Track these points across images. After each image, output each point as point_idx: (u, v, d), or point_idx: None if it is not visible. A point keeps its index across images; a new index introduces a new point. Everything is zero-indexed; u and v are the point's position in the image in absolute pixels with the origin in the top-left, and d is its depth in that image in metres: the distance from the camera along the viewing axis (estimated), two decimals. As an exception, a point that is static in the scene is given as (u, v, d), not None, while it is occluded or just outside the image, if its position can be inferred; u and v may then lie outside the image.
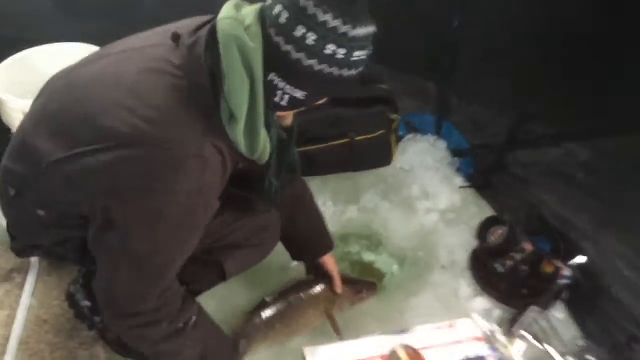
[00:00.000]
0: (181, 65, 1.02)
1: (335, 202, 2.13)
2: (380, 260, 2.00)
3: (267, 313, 1.57)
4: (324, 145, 2.11)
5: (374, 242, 2.04)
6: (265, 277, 1.81)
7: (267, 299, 1.59)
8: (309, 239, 1.61)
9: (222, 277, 1.42)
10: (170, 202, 1.02)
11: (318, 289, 1.63)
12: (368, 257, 2.01)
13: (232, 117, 1.01)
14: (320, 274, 1.67)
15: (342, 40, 0.95)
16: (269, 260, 1.59)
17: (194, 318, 1.19)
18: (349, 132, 2.10)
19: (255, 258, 1.49)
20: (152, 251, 1.05)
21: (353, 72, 0.99)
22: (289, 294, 1.60)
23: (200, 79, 1.00)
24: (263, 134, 1.03)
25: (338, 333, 1.64)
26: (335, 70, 0.98)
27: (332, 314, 1.65)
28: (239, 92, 0.98)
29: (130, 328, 1.10)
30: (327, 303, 1.63)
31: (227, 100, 0.98)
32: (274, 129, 1.15)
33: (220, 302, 1.76)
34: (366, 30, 0.96)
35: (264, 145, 1.06)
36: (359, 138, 2.12)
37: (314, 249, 1.64)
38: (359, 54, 0.98)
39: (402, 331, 1.61)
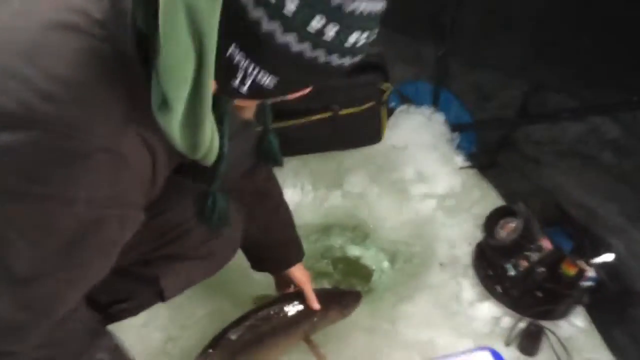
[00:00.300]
0: (104, 22, 0.70)
1: (316, 187, 1.83)
2: (367, 256, 1.73)
3: (229, 348, 1.27)
4: (303, 119, 1.85)
5: (361, 233, 1.76)
6: (231, 278, 1.51)
7: (229, 335, 1.29)
8: (273, 246, 1.32)
9: (160, 296, 1.11)
10: (63, 213, 0.71)
11: (292, 311, 1.34)
12: (353, 251, 1.74)
13: (164, 102, 0.71)
14: (288, 287, 1.39)
15: (334, 14, 0.63)
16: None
17: None
18: (332, 104, 1.84)
19: (204, 272, 1.19)
20: (37, 274, 0.75)
21: (346, 60, 0.69)
22: (256, 323, 1.31)
23: (124, 45, 0.70)
24: (209, 128, 0.78)
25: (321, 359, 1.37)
26: (321, 55, 0.67)
27: (311, 339, 1.37)
28: (179, 68, 0.68)
29: None
30: (306, 326, 1.35)
31: (160, 78, 0.67)
32: (227, 121, 0.84)
33: (174, 312, 1.46)
34: (372, 5, 0.64)
35: (210, 142, 0.80)
36: (343, 112, 1.86)
37: (279, 259, 1.35)
38: (356, 37, 0.66)
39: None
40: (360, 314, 1.51)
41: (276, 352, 1.33)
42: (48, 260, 0.75)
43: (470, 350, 1.23)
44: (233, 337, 1.27)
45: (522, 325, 1.48)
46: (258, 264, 1.36)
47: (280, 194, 1.33)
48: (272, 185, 1.30)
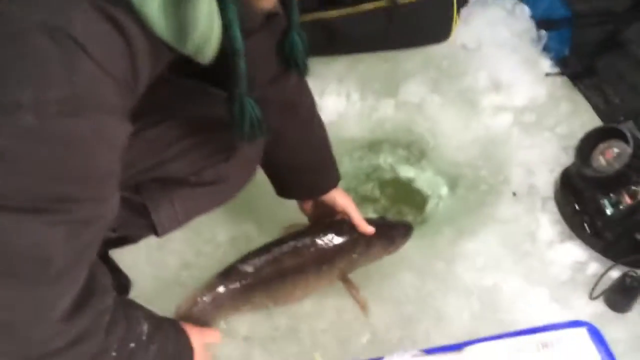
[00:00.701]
0: None
1: (364, 95, 1.53)
2: (423, 179, 1.45)
3: (240, 284, 1.05)
4: (352, 10, 1.54)
5: (416, 152, 1.49)
6: (261, 197, 1.28)
7: (244, 266, 1.06)
8: (303, 169, 1.07)
9: (153, 230, 0.88)
10: (6, 127, 0.52)
11: (327, 244, 1.09)
12: (406, 173, 1.47)
13: None
14: (322, 217, 1.14)
15: None
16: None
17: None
18: (389, -10, 1.51)
19: (210, 202, 0.95)
20: None
21: None
22: (280, 256, 1.07)
23: None
24: (204, 6, 0.61)
25: (363, 308, 1.14)
26: None
27: (349, 279, 1.13)
28: None
29: None
30: (342, 263, 1.11)
31: None
32: (234, 5, 0.63)
33: (192, 234, 1.25)
34: None
35: (207, 27, 0.63)
36: (403, 0, 1.51)
37: (311, 184, 1.10)
38: None
39: (454, 347, 1.02)
40: (409, 250, 1.25)
41: (303, 292, 1.11)
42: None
43: (560, 326, 0.94)
44: (249, 269, 1.05)
45: (614, 274, 1.18)
46: (285, 191, 1.12)
47: (312, 105, 1.05)
48: (303, 95, 1.02)
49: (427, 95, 1.53)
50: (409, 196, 1.42)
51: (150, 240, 1.20)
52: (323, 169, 1.09)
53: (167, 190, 0.87)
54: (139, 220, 0.87)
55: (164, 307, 1.13)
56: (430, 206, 1.40)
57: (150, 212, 0.85)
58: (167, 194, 0.87)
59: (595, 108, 1.47)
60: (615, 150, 1.16)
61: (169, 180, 0.86)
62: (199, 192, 0.89)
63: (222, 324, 1.10)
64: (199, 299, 1.02)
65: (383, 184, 1.42)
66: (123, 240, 0.98)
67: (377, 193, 1.40)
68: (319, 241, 1.09)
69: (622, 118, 1.38)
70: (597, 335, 0.94)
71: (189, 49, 0.64)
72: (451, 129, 1.49)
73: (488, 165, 1.41)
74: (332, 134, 1.16)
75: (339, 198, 1.11)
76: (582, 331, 0.93)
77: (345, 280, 1.14)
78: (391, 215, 1.36)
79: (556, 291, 1.19)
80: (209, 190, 0.90)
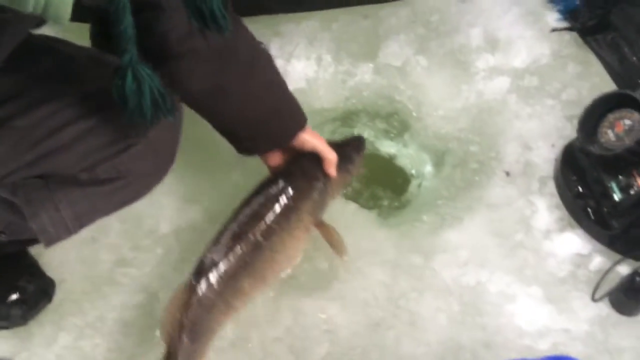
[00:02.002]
0: None
1: (338, 57, 1.33)
2: (405, 155, 1.27)
3: (218, 274, 0.88)
4: None
5: (398, 124, 1.30)
6: (211, 170, 1.13)
7: (209, 255, 0.89)
8: (262, 118, 0.90)
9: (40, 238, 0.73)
10: None
11: (285, 194, 0.93)
12: (386, 147, 1.29)
13: None
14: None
15: None
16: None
17: None
18: None
19: (109, 205, 0.79)
20: None
21: None
22: (244, 229, 0.91)
23: None
24: None
25: (342, 252, 1.00)
26: None
27: (324, 222, 1.00)
28: None
29: None
30: (309, 205, 0.96)
31: None
32: None
33: (129, 225, 1.10)
34: None
35: None
36: None
37: (275, 132, 0.94)
38: None
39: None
40: (381, 240, 1.09)
41: (285, 255, 0.94)
42: None
43: None
44: (220, 256, 0.88)
45: (622, 271, 1.00)
46: (247, 147, 0.95)
47: (253, 44, 0.88)
48: (239, 34, 0.83)
49: (412, 57, 1.32)
50: (389, 176, 1.24)
51: (83, 234, 1.06)
52: (284, 112, 0.92)
53: (50, 191, 0.70)
54: (24, 223, 0.71)
55: (94, 312, 1.00)
56: (411, 188, 1.22)
57: (27, 218, 0.69)
58: (49, 195, 0.70)
59: (609, 69, 1.25)
60: (627, 122, 0.95)
61: (53, 178, 0.69)
62: (93, 192, 0.72)
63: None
64: (183, 319, 0.85)
65: (359, 161, 1.24)
66: (15, 244, 0.82)
67: (351, 172, 1.21)
68: (276, 194, 0.94)
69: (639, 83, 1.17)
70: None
71: (34, 9, 0.47)
72: (438, 97, 1.28)
73: (479, 139, 1.22)
74: (300, 103, 0.98)
75: (308, 140, 0.95)
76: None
77: (320, 225, 0.99)
78: (365, 198, 1.19)
79: (552, 290, 1.02)
80: (106, 189, 0.73)
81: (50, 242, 0.73)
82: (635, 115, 0.94)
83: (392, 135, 1.29)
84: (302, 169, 0.97)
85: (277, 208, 0.93)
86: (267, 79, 0.91)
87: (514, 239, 1.07)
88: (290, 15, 1.36)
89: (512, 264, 1.04)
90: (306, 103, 1.23)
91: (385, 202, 1.18)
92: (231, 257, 0.89)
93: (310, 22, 1.36)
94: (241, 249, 0.89)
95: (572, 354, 0.84)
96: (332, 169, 0.96)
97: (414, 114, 1.28)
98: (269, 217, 0.92)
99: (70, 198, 0.71)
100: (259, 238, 0.90)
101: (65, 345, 0.97)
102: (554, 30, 1.33)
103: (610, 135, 0.97)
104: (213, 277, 0.87)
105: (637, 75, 1.18)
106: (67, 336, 0.98)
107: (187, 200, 1.12)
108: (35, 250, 1.05)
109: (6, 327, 0.97)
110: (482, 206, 1.12)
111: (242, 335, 0.98)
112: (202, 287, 0.86)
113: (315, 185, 0.97)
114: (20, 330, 0.98)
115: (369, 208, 1.16)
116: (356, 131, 1.28)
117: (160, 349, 0.96)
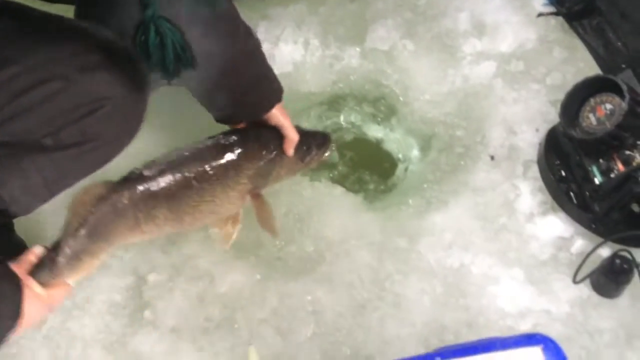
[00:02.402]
0: None
1: (325, 41, 1.33)
2: (391, 140, 1.28)
3: (142, 184, 0.86)
4: None
5: (385, 109, 1.31)
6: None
7: (142, 169, 0.87)
8: (241, 88, 0.92)
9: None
10: None
11: (235, 150, 0.93)
12: (373, 132, 1.29)
13: None
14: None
15: None
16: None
17: None
18: None
19: (79, 170, 0.78)
20: None
21: None
22: (184, 162, 0.90)
23: None
24: None
25: (272, 231, 1.00)
26: None
27: (261, 195, 0.99)
28: None
29: None
30: (251, 171, 0.95)
31: None
32: None
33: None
34: None
35: None
36: None
37: (253, 102, 0.94)
38: None
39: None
40: (368, 224, 1.10)
41: (210, 207, 0.92)
42: None
43: (512, 339, 0.76)
44: (149, 173, 0.86)
45: (603, 253, 1.02)
46: (226, 112, 0.96)
47: (232, 12, 0.87)
48: (220, 5, 0.83)
49: (399, 42, 1.32)
50: (376, 161, 1.25)
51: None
52: (263, 83, 0.94)
53: (17, 158, 0.69)
54: None
55: (82, 294, 0.99)
56: (398, 171, 1.23)
57: None
58: (16, 162, 0.69)
59: (594, 54, 1.26)
60: (608, 106, 0.96)
61: (17, 145, 0.69)
62: (60, 157, 0.71)
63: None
64: (90, 211, 0.80)
65: (344, 147, 1.24)
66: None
67: (335, 157, 1.22)
68: (224, 144, 0.94)
69: (623, 66, 1.18)
70: (554, 350, 0.77)
71: None
72: (425, 81, 1.28)
73: (465, 124, 1.23)
74: (287, 87, 0.99)
75: (276, 115, 0.95)
76: (537, 351, 0.76)
77: (256, 196, 0.98)
78: (351, 180, 1.20)
79: (534, 272, 1.03)
80: (73, 153, 0.72)
81: (22, 210, 0.72)
82: (617, 99, 0.96)
83: (379, 119, 1.29)
84: (259, 135, 0.97)
85: (220, 158, 0.92)
86: (248, 49, 0.91)
87: (497, 222, 1.09)
88: (277, -2, 1.36)
89: (495, 246, 1.06)
90: (293, 87, 1.25)
91: (372, 186, 1.19)
92: (160, 180, 0.87)
93: (297, 5, 1.35)
94: (172, 177, 0.87)
95: (552, 334, 0.85)
96: (289, 149, 0.97)
97: (401, 98, 1.29)
98: (210, 163, 0.91)
99: (38, 165, 0.70)
100: (192, 177, 0.89)
101: (53, 326, 0.98)
102: (540, 15, 1.33)
103: (592, 119, 0.98)
104: (135, 188, 0.85)
105: (621, 60, 1.19)
106: (55, 318, 0.98)
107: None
108: (20, 233, 1.05)
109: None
110: (467, 190, 1.13)
111: (228, 316, 0.99)
112: (122, 191, 0.83)
113: (265, 154, 0.96)
114: (7, 313, 0.99)
115: (355, 192, 1.17)
116: (343, 116, 1.29)
117: (148, 330, 0.98)
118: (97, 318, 0.99)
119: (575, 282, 1.01)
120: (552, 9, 1.34)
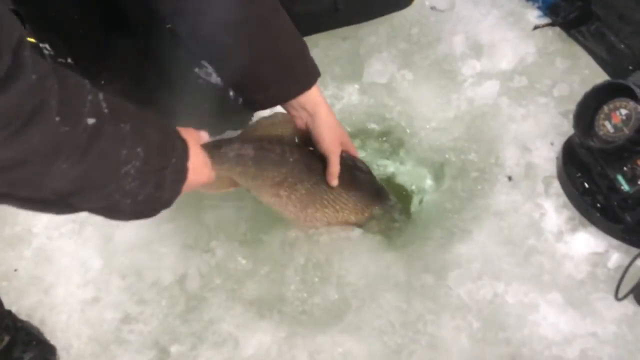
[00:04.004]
0: None
1: (323, 82, 1.30)
2: (403, 172, 1.25)
3: (304, 164, 0.97)
4: None
5: (392, 142, 1.28)
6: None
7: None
8: (288, 59, 0.91)
9: None
10: None
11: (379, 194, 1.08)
12: (383, 167, 1.27)
13: None
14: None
15: None
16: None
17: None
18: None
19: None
20: None
21: None
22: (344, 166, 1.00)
23: None
24: None
25: None
26: None
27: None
28: None
29: None
30: (364, 219, 1.08)
31: None
32: None
33: (131, 280, 1.06)
34: None
35: None
36: None
37: (302, 72, 0.94)
38: None
39: None
40: (390, 263, 1.06)
41: (328, 215, 1.02)
42: None
43: None
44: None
45: (642, 265, 0.96)
46: (272, 91, 0.92)
47: None
48: None
49: (397, 73, 1.30)
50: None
51: (84, 295, 1.03)
52: (307, 55, 0.94)
53: None
54: None
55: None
56: (414, 205, 1.19)
57: None
58: None
59: (598, 60, 1.23)
60: (623, 111, 0.92)
61: None
62: None
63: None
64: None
65: (355, 186, 1.21)
66: None
67: (348, 198, 1.18)
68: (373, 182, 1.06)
69: (631, 68, 1.14)
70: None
71: None
72: (429, 109, 1.26)
73: (476, 147, 1.19)
74: None
75: (316, 96, 0.95)
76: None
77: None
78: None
79: (573, 294, 0.98)
80: None
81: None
82: (631, 104, 0.92)
83: (387, 154, 1.26)
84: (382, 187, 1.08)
85: (366, 189, 1.04)
86: (290, 24, 0.91)
87: (526, 245, 1.04)
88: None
89: (527, 271, 1.00)
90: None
91: (397, 224, 1.14)
92: (319, 167, 0.97)
93: (290, 50, 1.34)
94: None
95: (604, 359, 0.79)
96: (333, 180, 0.98)
97: (407, 129, 1.26)
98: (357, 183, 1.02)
99: None
100: (340, 182, 0.98)
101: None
102: (537, 27, 1.31)
103: (608, 127, 0.94)
104: (307, 160, 0.96)
105: (628, 62, 1.16)
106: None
107: (186, 247, 1.09)
108: (38, 319, 1.02)
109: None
110: (489, 215, 1.08)
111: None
112: (294, 151, 0.95)
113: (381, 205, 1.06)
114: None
115: (373, 232, 1.13)
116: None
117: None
118: (121, 399, 0.95)
119: (618, 298, 0.95)
120: (547, 20, 1.32)
